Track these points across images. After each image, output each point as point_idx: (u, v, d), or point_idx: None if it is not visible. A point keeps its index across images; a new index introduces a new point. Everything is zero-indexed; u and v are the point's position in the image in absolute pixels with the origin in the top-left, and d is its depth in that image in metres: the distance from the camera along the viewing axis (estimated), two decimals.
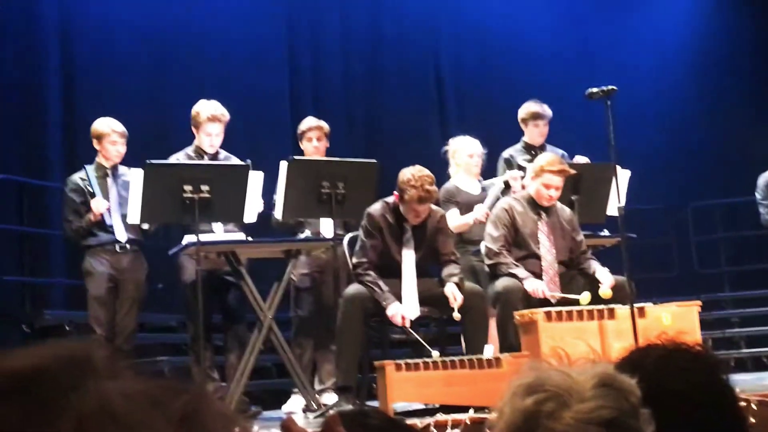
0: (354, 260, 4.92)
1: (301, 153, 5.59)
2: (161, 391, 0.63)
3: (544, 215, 5.10)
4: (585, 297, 4.72)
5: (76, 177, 5.27)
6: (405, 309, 4.74)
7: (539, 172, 5.06)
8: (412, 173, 4.81)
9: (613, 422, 1.23)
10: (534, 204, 5.10)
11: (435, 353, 4.46)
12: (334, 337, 4.95)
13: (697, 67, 9.11)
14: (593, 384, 1.27)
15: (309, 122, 5.68)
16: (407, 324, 4.71)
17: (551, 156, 5.28)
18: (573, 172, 5.17)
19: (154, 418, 0.60)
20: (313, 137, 5.60)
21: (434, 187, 4.85)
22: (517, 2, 8.93)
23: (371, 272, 4.83)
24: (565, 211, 5.22)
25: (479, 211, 5.53)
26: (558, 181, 5.04)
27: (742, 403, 4.03)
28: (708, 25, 9.30)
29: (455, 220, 5.51)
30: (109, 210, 5.15)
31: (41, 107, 7.06)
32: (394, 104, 8.36)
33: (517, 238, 5.05)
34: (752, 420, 3.96)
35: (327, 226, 5.38)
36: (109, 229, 5.17)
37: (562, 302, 4.76)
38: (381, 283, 4.80)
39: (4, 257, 6.27)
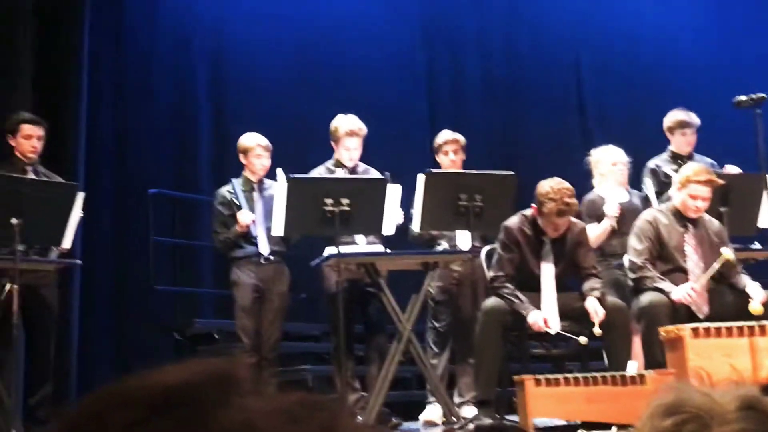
0: (491, 273, 4.90)
1: (438, 166, 5.61)
2: (300, 407, 0.64)
3: (690, 227, 4.92)
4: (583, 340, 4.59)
5: (224, 190, 5.48)
6: (546, 314, 4.68)
7: (685, 183, 4.89)
8: (551, 186, 4.75)
9: None
10: (680, 216, 4.93)
11: (583, 339, 4.40)
12: (472, 350, 4.94)
13: None
14: (736, 406, 1.22)
15: (445, 135, 5.71)
16: (550, 329, 4.64)
17: (698, 165, 5.10)
18: (721, 182, 4.97)
19: None
20: (450, 150, 5.61)
21: (574, 200, 4.77)
22: (663, 8, 8.66)
23: (509, 284, 4.80)
24: (713, 223, 5.02)
25: (610, 209, 5.38)
26: (705, 191, 4.85)
27: None
28: None
29: (594, 231, 5.40)
30: (254, 222, 5.33)
31: (192, 124, 7.39)
32: (533, 114, 8.26)
33: (662, 252, 4.89)
34: None
35: (464, 239, 5.37)
36: (254, 241, 5.34)
37: (718, 308, 4.59)
38: (519, 293, 4.76)
39: (157, 268, 6.57)
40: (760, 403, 1.25)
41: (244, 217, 5.27)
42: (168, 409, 0.62)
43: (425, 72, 8.15)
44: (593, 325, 4.63)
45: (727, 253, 4.67)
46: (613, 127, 8.05)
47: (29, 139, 5.15)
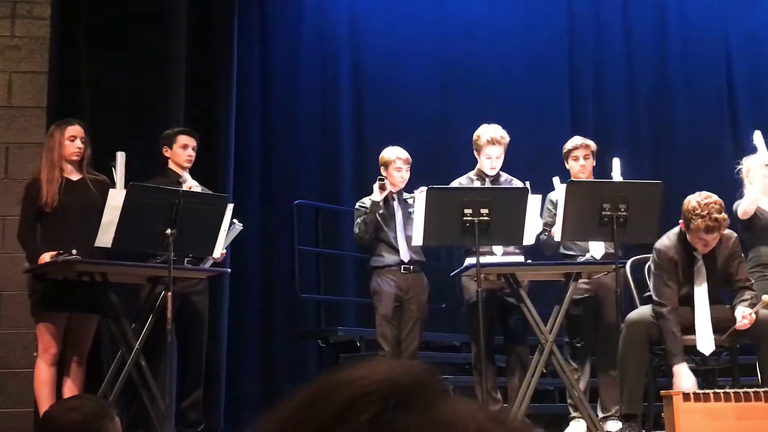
0: (654, 298, 4.75)
1: (567, 172, 5.51)
2: (488, 423, 0.66)
3: None
4: None
5: (366, 199, 5.56)
6: (687, 379, 4.50)
7: None
8: (697, 201, 4.58)
9: None
10: None
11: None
12: (614, 361, 4.82)
13: None
14: None
15: (575, 141, 5.60)
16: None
17: None
18: None
19: None
20: (580, 156, 5.51)
21: (723, 215, 4.58)
22: None
23: (672, 317, 4.64)
24: None
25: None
26: None
27: None
28: None
29: (743, 203, 5.17)
30: (393, 216, 5.38)
31: (335, 136, 7.55)
32: (681, 121, 7.99)
33: None
34: None
35: (597, 248, 5.27)
36: (395, 248, 5.40)
37: None
38: (678, 332, 4.60)
39: (302, 277, 6.74)
40: None
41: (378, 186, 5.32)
42: (405, 401, 0.65)
43: (568, 78, 8.03)
44: (744, 333, 4.46)
45: None
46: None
47: (185, 149, 5.41)
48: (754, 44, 8.11)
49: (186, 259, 5.17)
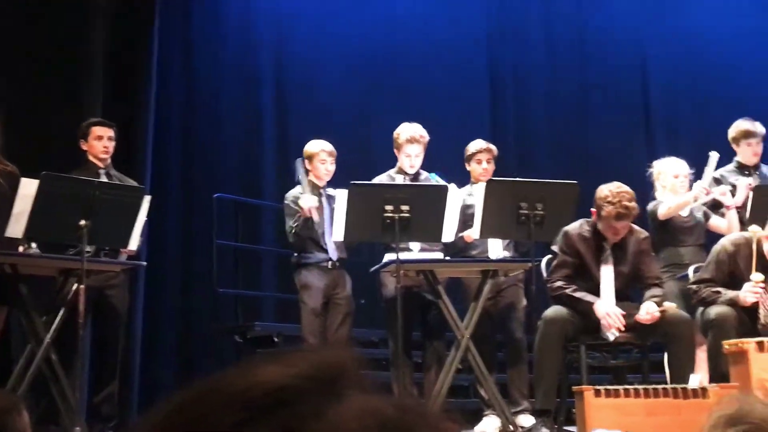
0: (548, 274, 4.88)
1: (468, 175, 5.61)
2: (399, 420, 0.62)
3: None
4: None
5: (295, 191, 5.50)
6: (610, 308, 4.64)
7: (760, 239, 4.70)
8: (609, 189, 4.71)
9: None
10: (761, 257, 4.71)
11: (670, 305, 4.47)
12: (522, 357, 4.91)
13: None
14: None
15: (478, 144, 5.68)
16: (619, 321, 4.60)
17: (729, 167, 5.06)
18: None
19: None
20: (483, 159, 5.59)
21: (634, 204, 4.72)
22: (730, 17, 8.50)
23: (566, 283, 4.78)
24: None
25: (697, 189, 5.33)
26: None
27: None
28: None
29: (668, 203, 5.32)
30: (317, 211, 5.35)
31: (257, 131, 7.50)
32: (599, 124, 8.18)
33: (731, 282, 4.77)
34: None
35: (495, 248, 5.37)
36: (324, 247, 5.38)
37: None
38: (578, 292, 4.74)
39: (220, 271, 6.67)
40: None
41: (306, 201, 5.29)
42: (272, 410, 0.60)
43: (489, 79, 8.13)
44: (650, 329, 4.59)
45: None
46: (678, 136, 7.93)
47: (100, 140, 5.31)
48: (668, 50, 8.35)
49: (103, 252, 5.07)
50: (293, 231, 5.36)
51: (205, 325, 6.88)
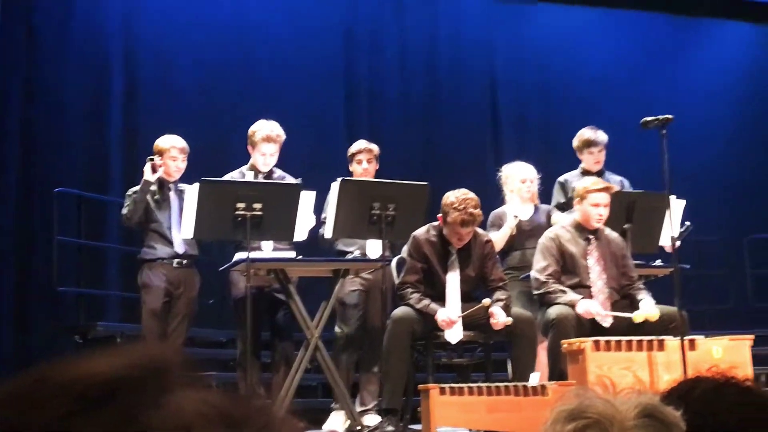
0: (398, 281, 4.95)
1: (351, 175, 5.62)
2: (237, 408, 0.61)
3: (593, 240, 5.06)
4: (640, 315, 4.69)
5: (136, 188, 5.34)
6: (451, 313, 4.76)
7: (584, 194, 5.06)
8: (456, 196, 4.83)
9: None
10: (582, 229, 5.07)
11: (486, 300, 4.65)
12: (378, 358, 4.96)
13: (756, 99, 8.98)
14: (636, 414, 1.26)
15: (359, 145, 5.73)
16: (455, 321, 4.72)
17: (591, 177, 5.33)
18: (616, 188, 5.13)
19: None
20: (363, 159, 5.64)
21: (478, 211, 4.85)
22: (577, 29, 8.90)
23: (416, 292, 4.86)
24: (615, 237, 5.17)
25: (512, 222, 5.57)
26: (605, 198, 5.03)
27: None
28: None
29: (494, 236, 5.51)
30: (168, 206, 5.22)
31: (104, 124, 7.24)
32: (449, 127, 8.37)
33: (566, 266, 5.01)
34: None
35: (374, 248, 5.40)
36: (168, 240, 5.24)
37: (615, 326, 4.73)
38: (425, 299, 4.83)
39: (61, 268, 6.40)
40: (659, 412, 1.29)
41: (151, 164, 5.14)
42: (103, 403, 0.58)
43: (344, 81, 8.17)
44: (496, 332, 4.73)
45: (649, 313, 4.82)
46: (526, 141, 8.22)
47: None
48: (517, 64, 8.66)
49: None
50: (129, 207, 5.19)
51: (44, 325, 6.58)
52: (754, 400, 1.64)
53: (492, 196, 5.90)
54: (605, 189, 5.05)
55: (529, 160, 6.02)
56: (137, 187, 5.29)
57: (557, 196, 5.95)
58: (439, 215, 4.94)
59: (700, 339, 4.53)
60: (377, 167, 5.70)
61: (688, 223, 5.61)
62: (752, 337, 4.64)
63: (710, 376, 1.76)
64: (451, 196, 4.85)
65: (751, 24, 9.31)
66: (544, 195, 6.01)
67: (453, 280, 4.93)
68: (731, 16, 9.24)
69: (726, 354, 4.42)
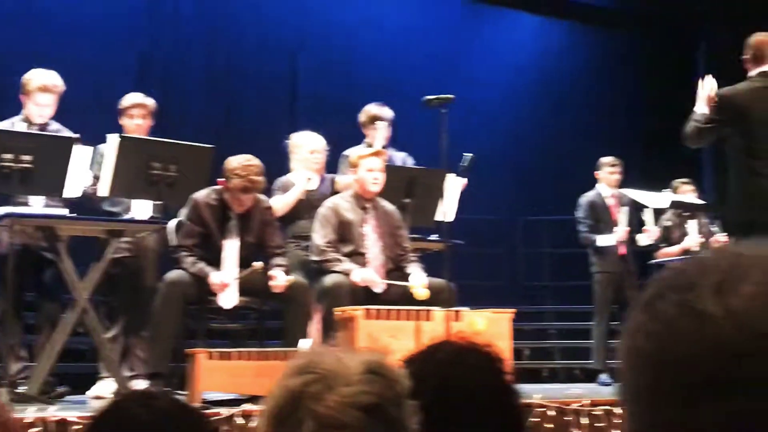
0: (174, 243, 4.84)
1: (122, 130, 5.35)
2: None
3: (370, 209, 5.17)
4: (417, 288, 4.84)
5: None
6: (225, 278, 4.73)
7: (357, 162, 5.18)
8: (238, 162, 4.78)
9: (374, 408, 1.25)
10: (359, 198, 5.17)
11: (257, 263, 4.64)
12: (148, 323, 4.83)
13: (538, 88, 9.49)
14: (361, 370, 1.28)
15: (133, 98, 5.44)
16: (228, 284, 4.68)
17: (360, 147, 5.50)
18: (386, 153, 5.36)
19: None
20: (136, 114, 5.38)
21: (260, 178, 4.84)
22: (379, 8, 9.03)
23: (191, 255, 4.78)
24: (392, 209, 5.30)
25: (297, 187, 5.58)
26: (378, 162, 5.16)
27: (540, 409, 4.20)
28: (553, 49, 9.71)
29: (277, 202, 5.50)
30: None
31: None
32: (249, 96, 8.34)
33: (344, 234, 5.09)
34: (550, 425, 4.14)
35: (142, 208, 5.17)
36: None
37: (392, 293, 4.87)
38: (200, 263, 4.77)
39: None
40: (384, 369, 1.32)
41: None
42: None
43: (141, 48, 7.94)
44: (272, 296, 4.75)
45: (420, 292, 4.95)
46: (322, 115, 8.26)
47: None
48: (318, 38, 8.69)
49: None
50: None
51: None
52: (491, 366, 1.73)
53: (285, 167, 5.87)
54: (376, 153, 5.18)
55: (321, 132, 6.03)
56: None
57: (343, 170, 6.01)
58: (221, 180, 4.86)
59: (465, 311, 4.74)
60: (152, 124, 5.47)
61: (471, 154, 5.79)
62: (513, 311, 4.90)
63: (455, 341, 1.84)
64: (234, 162, 4.78)
65: (542, 17, 9.81)
66: (331, 167, 6.05)
67: (231, 245, 4.87)
68: (522, 8, 9.68)
69: (489, 326, 4.65)
